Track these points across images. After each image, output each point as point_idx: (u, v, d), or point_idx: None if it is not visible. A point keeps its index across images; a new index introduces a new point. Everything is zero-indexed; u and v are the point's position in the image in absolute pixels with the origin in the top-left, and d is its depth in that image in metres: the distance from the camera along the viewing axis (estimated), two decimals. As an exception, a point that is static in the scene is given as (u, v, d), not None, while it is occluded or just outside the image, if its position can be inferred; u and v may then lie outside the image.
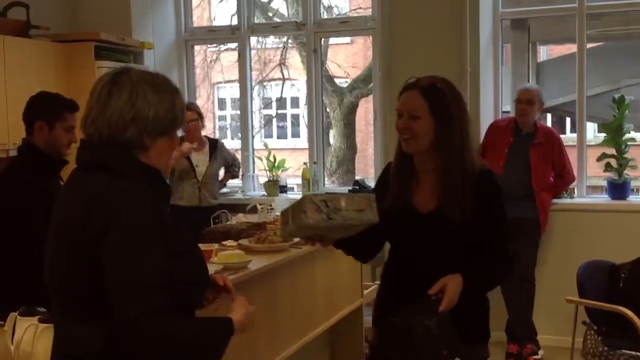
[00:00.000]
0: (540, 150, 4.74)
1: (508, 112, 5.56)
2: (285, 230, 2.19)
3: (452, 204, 2.17)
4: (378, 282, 4.02)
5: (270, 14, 7.83)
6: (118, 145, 1.67)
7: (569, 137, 7.43)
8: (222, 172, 5.51)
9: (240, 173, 5.85)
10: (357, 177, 7.25)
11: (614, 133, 5.02)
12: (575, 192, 5.17)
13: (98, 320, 1.60)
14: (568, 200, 5.10)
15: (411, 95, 2.22)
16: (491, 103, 5.35)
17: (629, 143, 5.04)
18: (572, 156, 5.07)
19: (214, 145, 5.31)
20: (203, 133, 5.32)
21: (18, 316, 2.29)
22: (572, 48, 6.08)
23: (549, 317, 4.90)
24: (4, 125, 4.52)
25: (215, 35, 6.20)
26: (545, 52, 10.34)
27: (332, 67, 8.53)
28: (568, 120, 9.21)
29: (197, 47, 6.32)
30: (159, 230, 1.61)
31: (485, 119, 5.18)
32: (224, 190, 5.68)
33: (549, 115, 8.86)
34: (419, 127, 2.19)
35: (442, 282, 2.12)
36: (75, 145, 3.01)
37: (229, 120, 10.26)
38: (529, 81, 6.39)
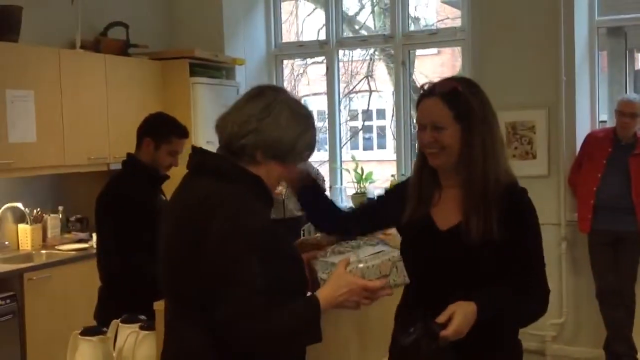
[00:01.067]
0: (640, 161, 4.55)
1: (605, 121, 5.37)
2: None
3: (473, 220, 1.90)
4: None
5: (357, 27, 7.87)
6: (232, 150, 1.72)
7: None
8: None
9: (328, 185, 5.88)
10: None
11: None
12: (679, 205, 4.92)
13: (204, 321, 1.63)
14: (671, 214, 4.86)
15: (432, 103, 1.96)
16: (587, 112, 5.18)
17: None
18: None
19: None
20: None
21: (120, 323, 2.38)
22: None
23: (651, 336, 4.69)
24: (105, 140, 4.74)
25: (304, 49, 6.29)
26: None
27: (419, 77, 8.47)
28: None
29: (285, 61, 6.43)
30: (259, 234, 1.63)
31: (582, 129, 5.02)
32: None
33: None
34: (446, 139, 1.93)
35: (451, 308, 1.82)
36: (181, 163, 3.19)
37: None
38: (626, 89, 6.15)
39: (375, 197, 2.38)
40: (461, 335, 1.80)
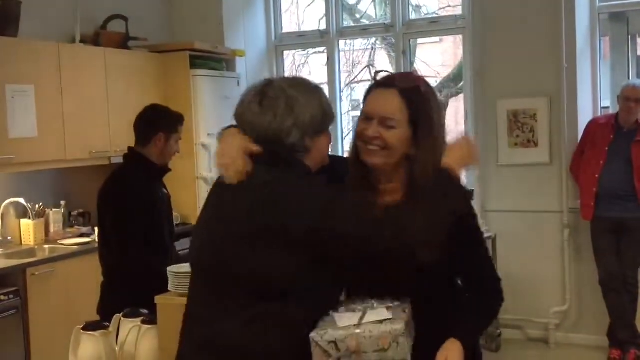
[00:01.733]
0: (643, 147, 4.54)
1: (607, 107, 5.35)
2: None
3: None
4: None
5: (358, 16, 7.83)
6: (285, 150, 1.75)
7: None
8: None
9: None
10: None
11: None
12: (682, 191, 4.91)
13: (249, 306, 1.66)
14: (674, 200, 4.85)
15: (389, 96, 1.79)
16: (589, 99, 5.16)
17: None
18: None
19: None
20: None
21: (122, 318, 2.39)
22: (675, 39, 5.77)
23: (655, 322, 4.69)
24: (106, 134, 4.74)
25: (304, 40, 6.26)
26: (646, 45, 9.84)
27: (420, 66, 8.44)
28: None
29: (286, 52, 6.41)
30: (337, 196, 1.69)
31: (584, 116, 5.01)
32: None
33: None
34: (393, 139, 1.77)
35: (442, 355, 1.76)
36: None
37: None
38: (628, 75, 6.10)
39: None
40: None
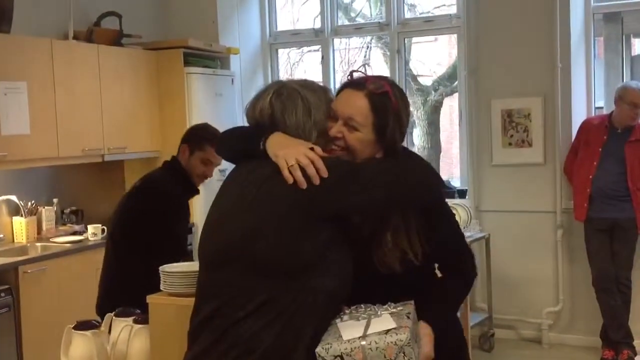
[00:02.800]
0: (636, 148, 4.54)
1: (601, 107, 5.35)
2: None
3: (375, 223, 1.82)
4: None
5: (353, 15, 7.82)
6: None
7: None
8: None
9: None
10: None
11: None
12: (675, 191, 4.92)
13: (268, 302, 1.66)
14: (667, 200, 4.86)
15: (357, 99, 1.79)
16: (584, 99, 5.17)
17: None
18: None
19: None
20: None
21: (114, 317, 2.37)
22: (670, 40, 5.78)
23: (647, 323, 4.70)
24: (98, 131, 4.72)
25: (299, 38, 6.25)
26: (640, 45, 9.87)
27: (415, 64, 8.44)
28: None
29: (280, 50, 6.40)
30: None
31: (577, 117, 5.01)
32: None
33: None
34: (354, 141, 1.79)
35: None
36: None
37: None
38: (622, 75, 6.12)
39: None
40: (430, 354, 1.76)
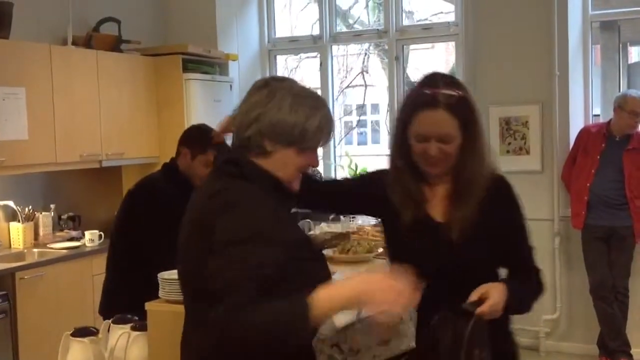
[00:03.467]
0: (634, 156, 4.55)
1: (598, 115, 5.37)
2: None
3: (466, 213, 1.93)
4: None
5: (351, 21, 7.84)
6: (241, 145, 1.67)
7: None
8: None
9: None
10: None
11: None
12: (672, 200, 4.93)
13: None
14: (664, 208, 4.87)
15: (439, 117, 1.89)
16: (581, 107, 5.18)
17: None
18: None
19: None
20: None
21: (112, 323, 2.37)
22: (666, 49, 5.80)
23: (645, 331, 4.70)
24: (97, 137, 4.71)
25: (297, 44, 6.26)
26: (637, 53, 9.90)
27: (412, 72, 8.45)
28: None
29: (278, 57, 6.41)
30: (263, 235, 1.55)
31: (575, 124, 5.02)
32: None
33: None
34: (451, 149, 1.91)
35: (483, 287, 1.84)
36: None
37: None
38: (619, 84, 6.14)
39: (350, 178, 2.40)
40: (497, 312, 1.81)
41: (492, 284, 1.85)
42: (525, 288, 1.99)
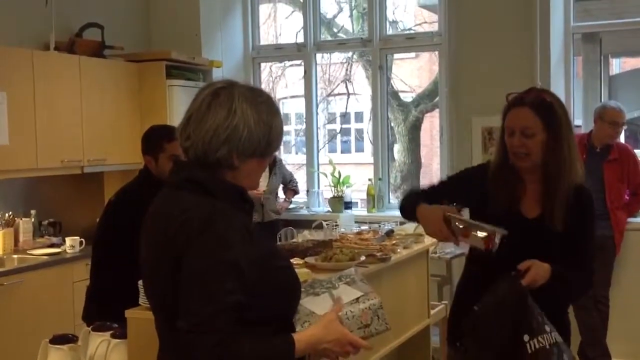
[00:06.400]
0: (614, 167, 4.59)
1: (579, 126, 5.41)
2: None
3: (554, 212, 2.25)
4: (445, 302, 3.96)
5: (336, 30, 7.87)
6: (208, 164, 1.66)
7: (643, 152, 7.15)
8: (280, 189, 5.61)
9: (306, 189, 5.89)
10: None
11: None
12: (652, 211, 4.98)
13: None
14: (644, 219, 4.92)
15: (523, 112, 2.26)
16: (562, 118, 5.22)
17: None
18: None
19: (274, 161, 5.35)
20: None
21: (91, 331, 2.35)
22: (646, 61, 5.87)
23: (624, 340, 4.73)
24: (79, 143, 4.68)
25: (281, 52, 6.27)
26: (618, 65, 10.03)
27: (396, 81, 8.50)
28: (642, 135, 8.90)
29: (263, 64, 6.41)
30: (238, 251, 1.57)
31: (556, 135, 5.06)
32: (290, 206, 5.73)
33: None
34: (534, 145, 2.24)
35: (529, 262, 2.17)
36: None
37: (293, 135, 10.35)
38: (601, 95, 6.20)
39: (447, 179, 2.65)
40: (535, 284, 2.14)
41: (538, 262, 2.18)
42: (573, 279, 2.27)
